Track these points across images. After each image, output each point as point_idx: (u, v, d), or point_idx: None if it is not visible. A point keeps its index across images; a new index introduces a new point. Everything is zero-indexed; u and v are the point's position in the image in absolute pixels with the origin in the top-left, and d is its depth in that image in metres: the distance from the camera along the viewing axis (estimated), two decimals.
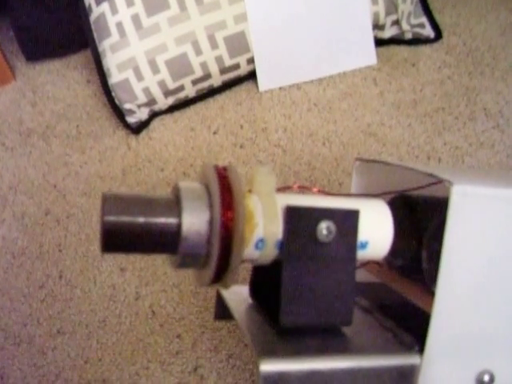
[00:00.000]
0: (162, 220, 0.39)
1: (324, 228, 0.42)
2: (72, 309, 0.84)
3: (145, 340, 0.79)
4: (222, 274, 0.40)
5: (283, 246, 0.42)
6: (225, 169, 0.41)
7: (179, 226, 0.39)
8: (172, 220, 0.39)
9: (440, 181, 0.44)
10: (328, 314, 0.43)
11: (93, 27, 1.04)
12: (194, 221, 0.39)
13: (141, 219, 0.39)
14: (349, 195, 0.51)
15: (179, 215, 0.39)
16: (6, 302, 0.86)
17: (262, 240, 0.41)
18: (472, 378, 0.44)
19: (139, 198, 0.40)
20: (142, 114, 1.06)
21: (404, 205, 0.51)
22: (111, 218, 0.38)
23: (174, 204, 0.40)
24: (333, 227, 0.42)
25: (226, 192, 0.38)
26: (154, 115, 1.09)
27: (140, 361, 0.77)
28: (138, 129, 1.06)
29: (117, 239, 0.39)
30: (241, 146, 1.00)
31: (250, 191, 0.43)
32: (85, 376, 0.77)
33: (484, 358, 0.45)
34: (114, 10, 1.00)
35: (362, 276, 0.57)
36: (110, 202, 0.38)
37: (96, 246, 0.91)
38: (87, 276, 0.87)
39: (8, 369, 0.80)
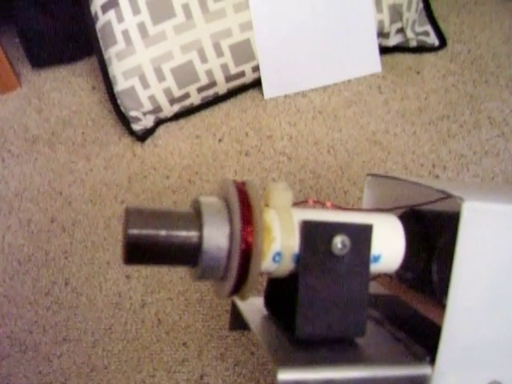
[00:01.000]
0: (183, 233, 0.40)
1: (339, 242, 0.42)
2: (78, 316, 0.84)
3: (151, 348, 0.79)
4: (240, 286, 0.41)
5: (299, 259, 0.42)
6: (243, 184, 0.42)
7: (200, 239, 0.40)
8: (193, 233, 0.40)
9: (450, 196, 0.44)
10: (342, 326, 0.44)
11: (99, 35, 1.04)
12: (215, 235, 0.40)
13: (163, 232, 0.39)
14: (362, 210, 0.52)
15: (200, 229, 0.40)
16: (12, 309, 0.86)
17: (279, 253, 0.42)
18: None
19: (161, 211, 0.40)
20: (148, 122, 1.06)
21: (414, 219, 0.52)
22: (134, 231, 0.39)
23: (195, 218, 0.40)
24: (347, 241, 0.43)
25: (245, 207, 0.39)
26: (159, 123, 1.09)
27: (146, 369, 0.77)
28: (144, 136, 1.07)
29: (139, 252, 0.39)
30: (246, 154, 1.01)
31: (266, 205, 0.44)
32: None
33: (494, 370, 0.45)
34: (120, 18, 1.00)
35: (373, 288, 0.57)
36: (133, 215, 0.39)
37: (102, 253, 0.91)
38: (93, 283, 0.88)
39: (14, 376, 0.80)
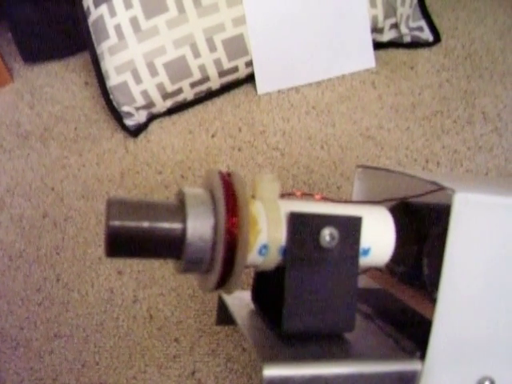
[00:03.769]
0: (166, 225, 0.39)
1: (327, 234, 0.42)
2: (69, 312, 0.84)
3: (142, 344, 0.79)
4: (225, 280, 0.40)
5: (286, 251, 0.42)
6: (229, 174, 0.41)
7: (184, 231, 0.39)
8: (176, 225, 0.39)
9: (441, 188, 0.44)
10: (330, 320, 0.43)
11: (91, 29, 1.04)
12: (199, 226, 0.39)
13: (145, 224, 0.39)
14: (351, 202, 0.51)
15: (184, 221, 0.39)
16: (3, 305, 0.86)
17: (265, 246, 0.41)
18: None
19: (144, 203, 0.40)
20: (140, 117, 1.06)
21: (405, 212, 0.51)
22: (116, 223, 0.38)
23: (179, 209, 0.40)
24: (336, 233, 0.42)
25: (230, 198, 0.38)
26: (152, 118, 1.08)
27: (137, 365, 0.77)
28: (136, 131, 1.06)
29: (121, 244, 0.39)
30: (239, 149, 1.00)
31: (253, 197, 0.43)
32: (82, 380, 0.77)
33: (485, 365, 0.45)
34: (113, 13, 1.00)
35: (363, 282, 0.57)
36: (115, 206, 0.38)
37: (93, 248, 0.90)
38: (84, 279, 0.87)
39: (5, 373, 0.79)
